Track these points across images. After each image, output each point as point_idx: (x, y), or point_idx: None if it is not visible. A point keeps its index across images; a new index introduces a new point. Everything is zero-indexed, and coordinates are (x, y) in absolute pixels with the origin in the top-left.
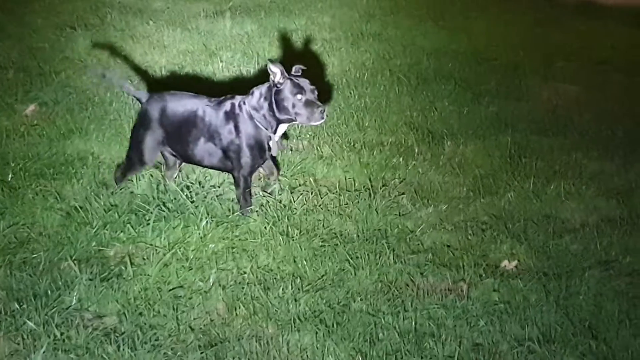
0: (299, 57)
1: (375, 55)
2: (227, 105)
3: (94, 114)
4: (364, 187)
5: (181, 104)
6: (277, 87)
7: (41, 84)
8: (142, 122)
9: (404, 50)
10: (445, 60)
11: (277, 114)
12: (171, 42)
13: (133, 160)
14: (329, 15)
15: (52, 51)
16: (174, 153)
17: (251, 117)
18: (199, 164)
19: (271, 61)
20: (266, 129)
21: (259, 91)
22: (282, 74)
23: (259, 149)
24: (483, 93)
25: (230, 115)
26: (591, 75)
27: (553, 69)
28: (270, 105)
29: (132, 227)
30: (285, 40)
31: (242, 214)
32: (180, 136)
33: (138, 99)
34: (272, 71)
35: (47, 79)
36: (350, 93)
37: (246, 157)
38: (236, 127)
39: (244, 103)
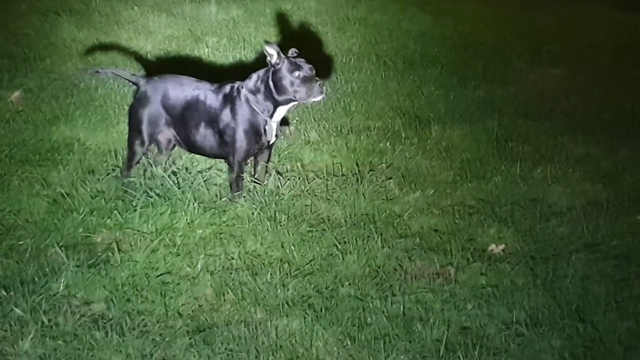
0: (286, 42)
1: (361, 40)
2: (226, 89)
3: (79, 100)
4: (351, 172)
5: (184, 88)
6: (275, 68)
7: (26, 70)
8: (141, 103)
9: (390, 35)
10: (431, 44)
11: (275, 96)
12: (156, 28)
13: (134, 143)
14: None
15: (36, 37)
16: (178, 139)
17: (247, 101)
18: (201, 150)
19: (267, 42)
20: (262, 112)
21: (257, 74)
22: (279, 54)
23: (255, 134)
24: (469, 77)
25: (228, 99)
26: (577, 59)
27: (539, 53)
28: (267, 87)
29: (119, 213)
30: (271, 26)
31: (231, 199)
32: (184, 121)
33: (135, 83)
34: (268, 52)
35: (31, 65)
36: (337, 78)
37: (241, 142)
38: (232, 111)
39: (243, 87)
